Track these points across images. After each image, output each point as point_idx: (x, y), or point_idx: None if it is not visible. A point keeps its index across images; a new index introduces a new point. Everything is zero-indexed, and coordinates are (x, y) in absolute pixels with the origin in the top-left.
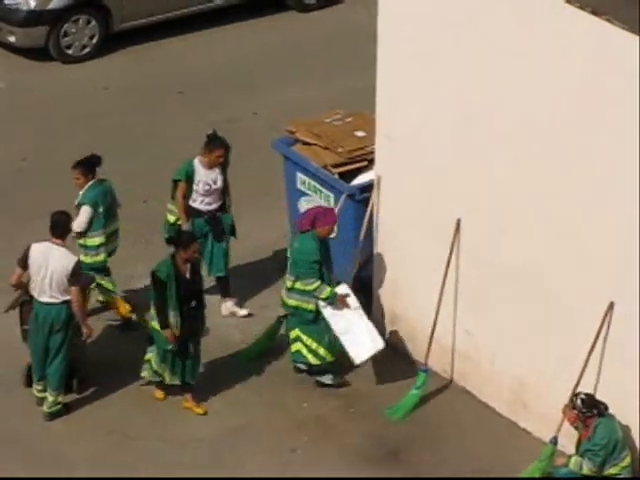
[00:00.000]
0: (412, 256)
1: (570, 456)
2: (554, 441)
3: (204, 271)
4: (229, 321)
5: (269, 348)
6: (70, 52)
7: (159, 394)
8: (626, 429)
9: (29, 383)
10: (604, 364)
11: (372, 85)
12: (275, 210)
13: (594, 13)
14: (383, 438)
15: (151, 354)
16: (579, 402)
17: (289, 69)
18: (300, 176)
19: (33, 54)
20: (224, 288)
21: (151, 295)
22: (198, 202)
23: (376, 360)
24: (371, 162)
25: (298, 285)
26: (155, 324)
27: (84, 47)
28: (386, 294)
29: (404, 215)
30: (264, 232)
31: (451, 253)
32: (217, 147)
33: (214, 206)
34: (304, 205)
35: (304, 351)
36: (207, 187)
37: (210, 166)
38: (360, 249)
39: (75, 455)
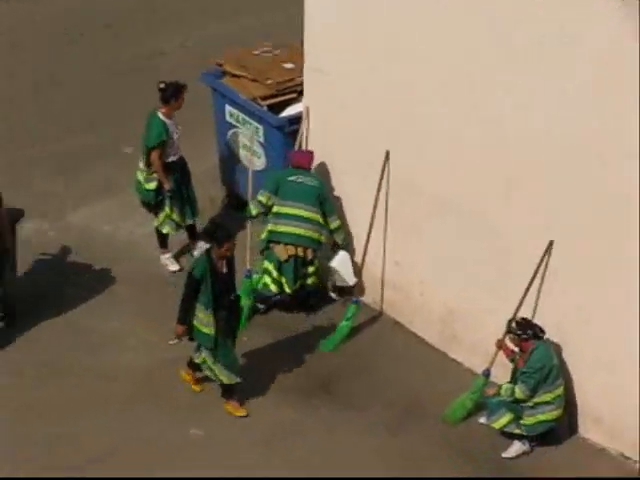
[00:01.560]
0: (342, 188)
1: (501, 385)
2: (486, 373)
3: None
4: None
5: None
6: None
7: (196, 387)
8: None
9: None
10: (540, 298)
11: (301, 16)
12: (204, 142)
13: None
14: (314, 370)
15: (203, 355)
16: (514, 325)
17: (217, 1)
18: (229, 108)
19: None
20: (195, 232)
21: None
22: (171, 156)
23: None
24: (300, 94)
25: (321, 219)
26: (196, 323)
27: None
28: None
29: (333, 147)
30: (194, 164)
31: (380, 184)
32: (183, 92)
33: (180, 152)
34: (234, 137)
35: (269, 281)
36: (176, 135)
37: (171, 115)
38: None
39: (5, 387)
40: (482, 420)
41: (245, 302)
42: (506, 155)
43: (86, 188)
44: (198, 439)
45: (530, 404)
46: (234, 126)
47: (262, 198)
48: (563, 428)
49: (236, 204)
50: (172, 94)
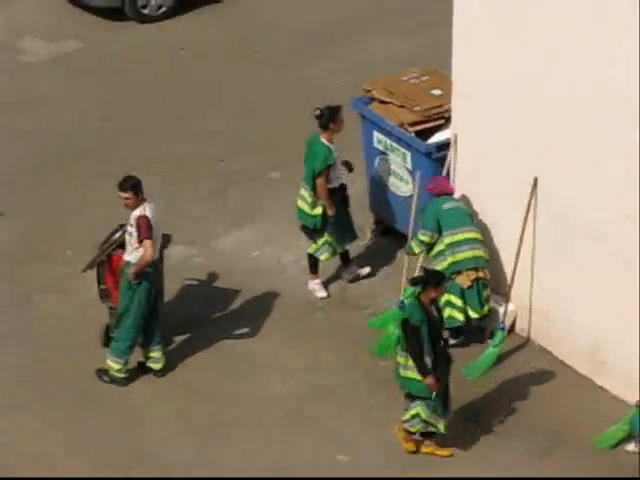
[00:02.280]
0: (489, 214)
1: None
2: (639, 405)
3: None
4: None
5: None
6: (146, 12)
7: (433, 449)
8: None
9: (108, 343)
10: None
11: (449, 42)
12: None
13: None
14: (461, 397)
15: (417, 408)
16: None
17: (365, 27)
18: (377, 135)
19: (110, 14)
20: (348, 258)
21: (402, 345)
22: (334, 181)
23: None
24: (448, 120)
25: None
26: (411, 374)
27: (160, 7)
28: None
29: (481, 173)
30: None
31: (528, 211)
32: (339, 114)
33: (342, 179)
34: (381, 164)
35: (455, 312)
36: (339, 159)
37: (332, 139)
38: None
39: (155, 415)
40: (630, 448)
41: (393, 331)
42: None
43: (233, 213)
44: (345, 465)
45: None
46: (382, 152)
47: (425, 238)
48: None
49: (384, 230)
50: (329, 118)
